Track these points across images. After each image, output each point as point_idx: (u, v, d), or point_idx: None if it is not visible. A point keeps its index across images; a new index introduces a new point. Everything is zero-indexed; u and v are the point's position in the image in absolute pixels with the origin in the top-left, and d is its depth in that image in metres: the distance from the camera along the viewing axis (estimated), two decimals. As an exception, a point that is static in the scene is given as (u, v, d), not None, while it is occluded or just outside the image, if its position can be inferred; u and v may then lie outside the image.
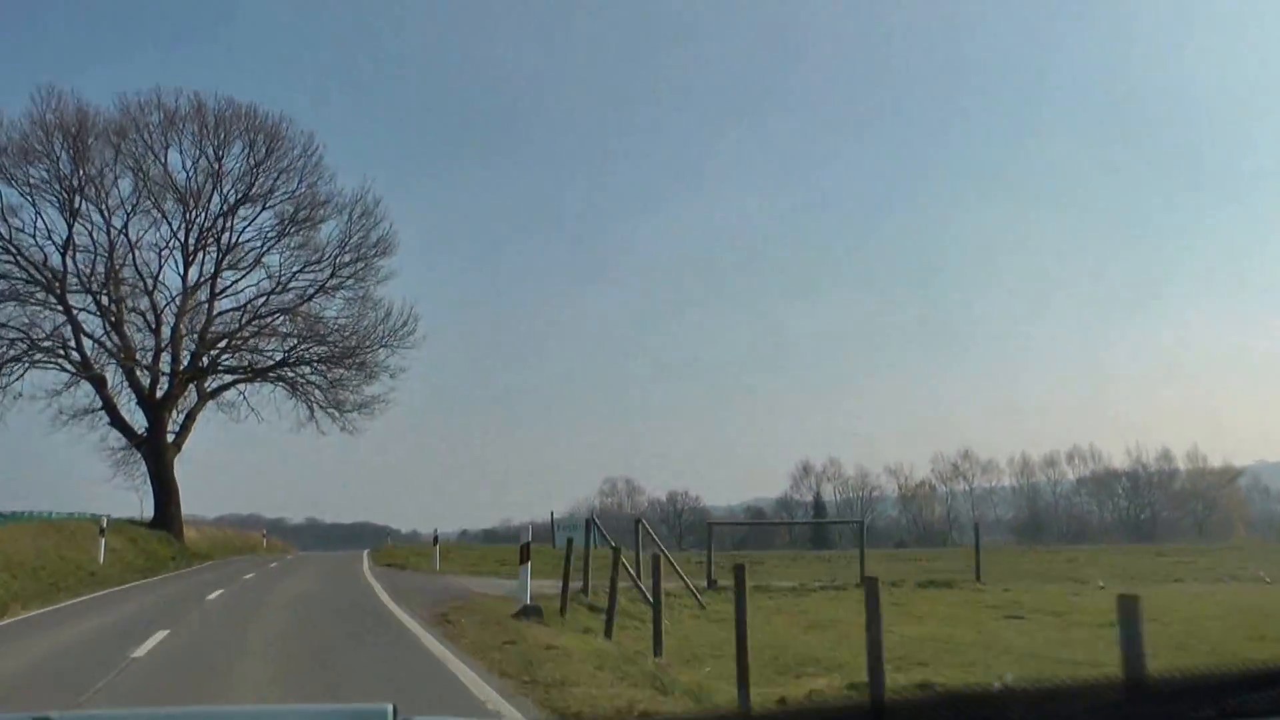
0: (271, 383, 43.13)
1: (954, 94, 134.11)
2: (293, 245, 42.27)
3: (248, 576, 25.62)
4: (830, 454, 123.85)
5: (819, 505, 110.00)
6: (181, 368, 41.37)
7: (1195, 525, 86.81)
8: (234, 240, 42.02)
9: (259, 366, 42.89)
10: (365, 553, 39.39)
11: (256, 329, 42.59)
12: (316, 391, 43.03)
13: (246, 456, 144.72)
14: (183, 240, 41.50)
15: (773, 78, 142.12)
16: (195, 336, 41.65)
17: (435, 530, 36.76)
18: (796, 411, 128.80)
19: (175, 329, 41.21)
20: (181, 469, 41.63)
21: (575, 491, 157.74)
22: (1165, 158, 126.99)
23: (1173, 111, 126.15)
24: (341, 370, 42.59)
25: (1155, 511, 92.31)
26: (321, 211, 41.93)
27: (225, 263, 42.09)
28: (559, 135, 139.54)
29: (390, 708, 1.73)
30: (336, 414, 42.68)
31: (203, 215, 41.61)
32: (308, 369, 42.92)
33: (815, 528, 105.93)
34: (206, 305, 41.91)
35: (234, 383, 43.34)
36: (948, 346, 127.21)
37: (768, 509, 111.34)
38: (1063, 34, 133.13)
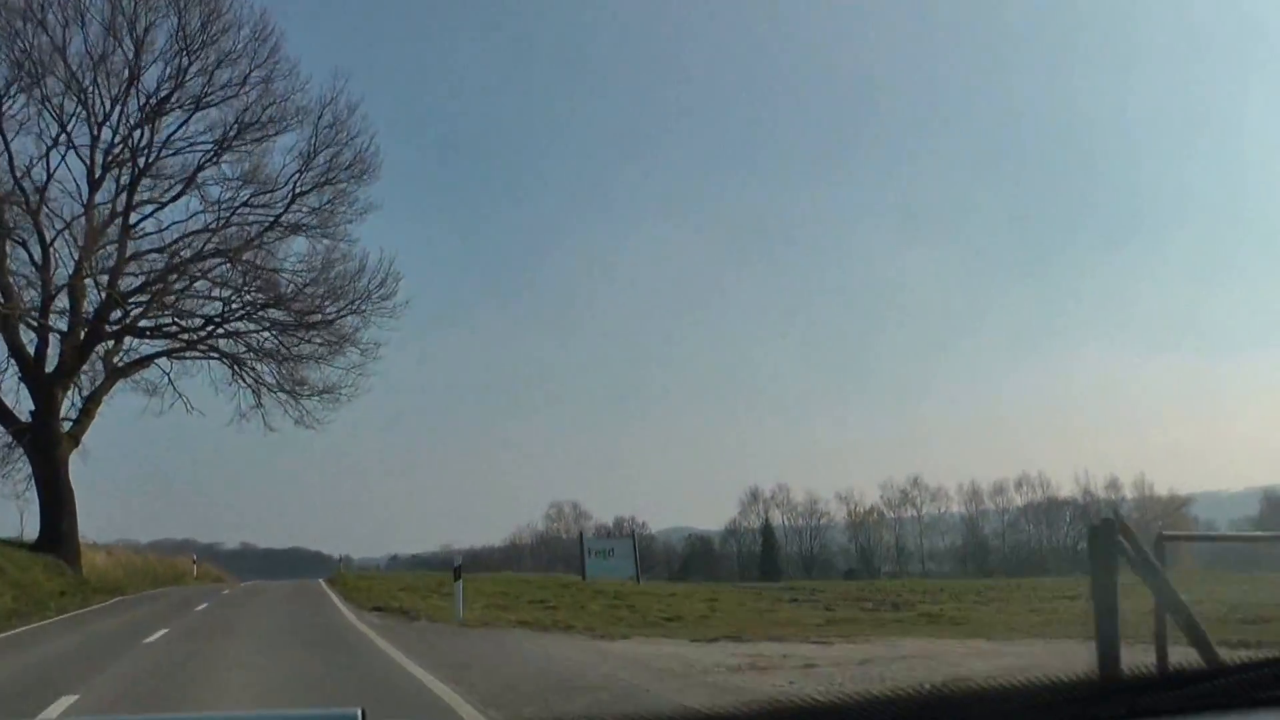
0: (205, 354, 33.78)
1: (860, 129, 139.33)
2: (239, 165, 32.55)
3: (153, 637, 15.60)
4: (779, 479, 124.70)
5: (768, 532, 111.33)
6: (83, 330, 31.34)
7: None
8: (156, 155, 31.80)
9: (189, 328, 33.45)
10: (322, 583, 32.55)
11: (187, 278, 32.72)
12: (265, 368, 33.81)
13: (174, 461, 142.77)
14: (89, 156, 31.20)
15: (663, 112, 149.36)
16: (103, 285, 31.38)
17: (456, 557, 21.25)
18: (746, 437, 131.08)
19: (77, 272, 30.53)
20: (82, 471, 32.35)
21: (518, 516, 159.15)
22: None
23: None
24: (301, 338, 33.32)
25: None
26: (277, 120, 31.78)
27: (145, 185, 31.98)
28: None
29: (359, 711, 1.73)
30: (291, 401, 33.54)
31: (115, 116, 31.09)
32: (255, 336, 33.64)
33: (765, 556, 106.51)
34: (119, 243, 31.62)
35: (156, 355, 33.42)
36: (903, 372, 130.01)
37: (715, 537, 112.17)
38: (959, 75, 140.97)
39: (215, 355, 33.84)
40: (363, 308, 32.77)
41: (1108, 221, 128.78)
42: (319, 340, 33.28)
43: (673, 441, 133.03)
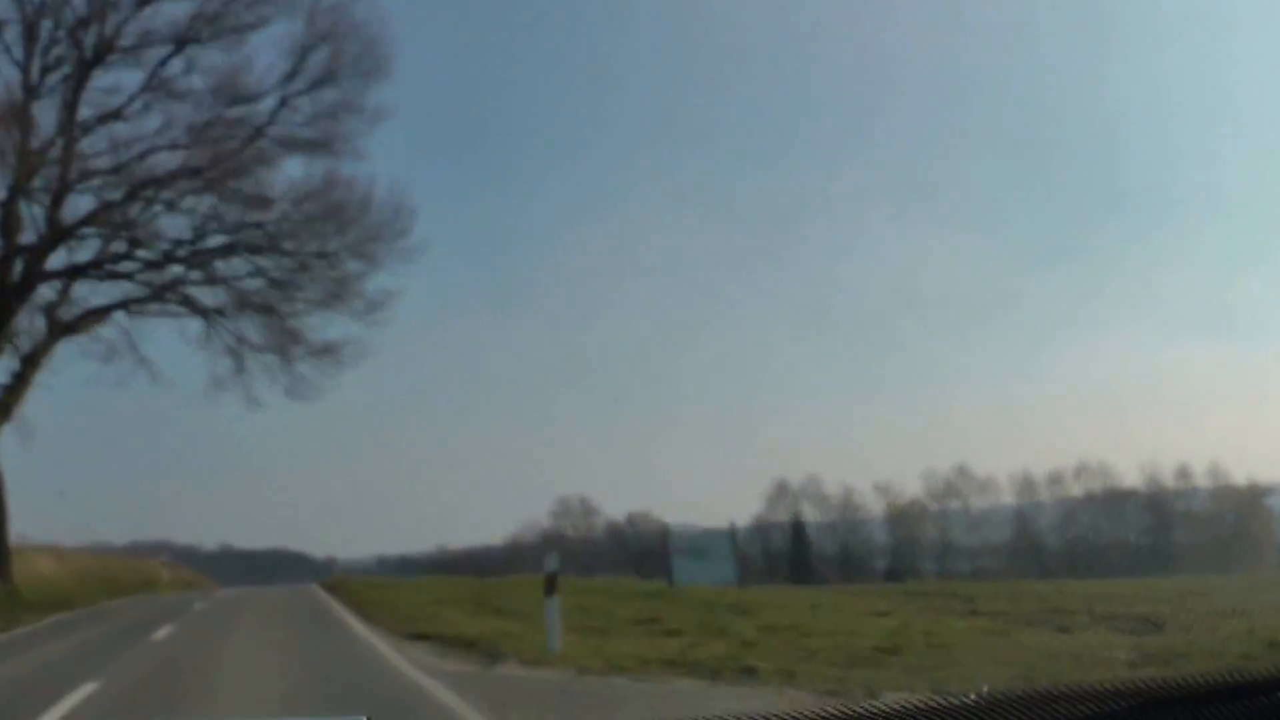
0: (174, 305, 28.94)
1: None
2: (214, 60, 27.69)
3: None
4: (809, 470, 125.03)
5: (798, 527, 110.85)
6: (17, 265, 26.71)
7: (1219, 550, 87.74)
8: (106, 53, 26.97)
9: (152, 261, 28.45)
10: (319, 590, 29.56)
11: (150, 204, 27.91)
12: (249, 323, 29.25)
13: (146, 454, 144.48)
14: (23, 55, 26.47)
15: (680, 104, 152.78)
16: (43, 208, 26.88)
17: (549, 559, 14.52)
18: (771, 428, 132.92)
19: (11, 197, 26.24)
20: (25, 460, 29.18)
21: (521, 512, 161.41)
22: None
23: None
24: (293, 282, 28.75)
25: (1171, 535, 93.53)
26: (258, 5, 27.09)
27: (96, 90, 27.23)
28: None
29: (364, 719, 1.87)
30: (281, 364, 29.21)
31: (57, 6, 26.52)
32: (236, 284, 29.08)
33: (795, 553, 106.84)
34: (61, 161, 26.75)
35: (112, 307, 28.53)
36: (942, 357, 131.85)
37: (742, 533, 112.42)
38: (985, 55, 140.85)
39: (186, 308, 29.19)
40: (371, 248, 28.61)
41: (1145, 204, 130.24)
42: (314, 289, 29.08)
43: (690, 434, 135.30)
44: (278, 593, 31.78)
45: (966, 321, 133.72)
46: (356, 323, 29.71)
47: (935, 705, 1.98)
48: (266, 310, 29.44)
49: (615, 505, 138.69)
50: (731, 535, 24.98)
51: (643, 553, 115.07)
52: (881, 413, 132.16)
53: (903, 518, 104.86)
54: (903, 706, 1.93)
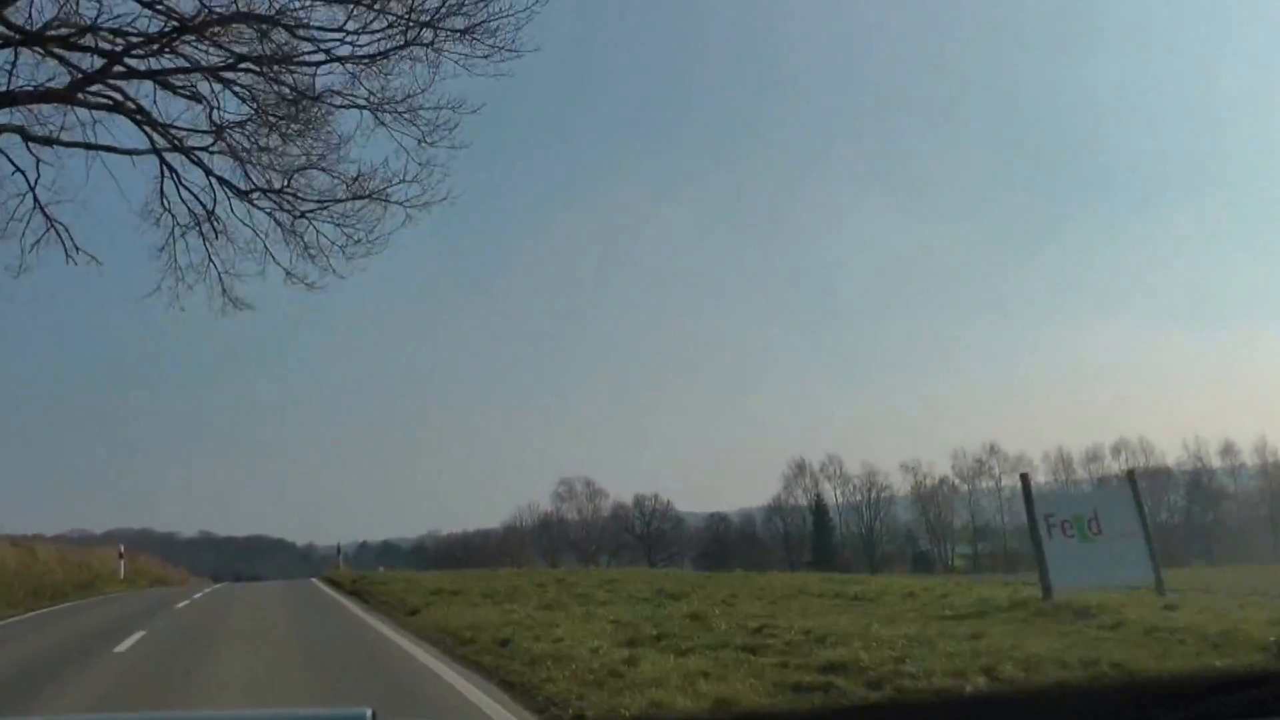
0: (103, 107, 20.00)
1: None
2: None
3: None
4: (828, 450, 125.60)
5: (819, 510, 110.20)
6: None
7: (1270, 531, 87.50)
8: None
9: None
10: (330, 592, 25.02)
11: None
12: (265, 155, 20.76)
13: (123, 437, 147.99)
14: None
15: (664, 87, 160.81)
16: None
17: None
18: (786, 407, 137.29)
19: None
20: None
21: (519, 495, 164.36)
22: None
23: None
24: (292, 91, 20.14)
25: (1217, 516, 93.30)
26: None
27: None
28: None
29: (369, 712, 1.97)
30: (280, 228, 21.09)
31: None
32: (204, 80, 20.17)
33: (818, 536, 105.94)
34: None
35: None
36: (969, 328, 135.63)
37: (758, 516, 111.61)
38: (962, 43, 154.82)
39: (122, 107, 20.06)
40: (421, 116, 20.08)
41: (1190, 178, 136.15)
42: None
43: (698, 416, 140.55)
44: (269, 590, 27.80)
45: (995, 299, 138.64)
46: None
47: (927, 701, 2.17)
48: (251, 126, 20.51)
49: (621, 487, 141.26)
50: (1135, 495, 16.12)
51: (652, 536, 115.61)
52: (903, 393, 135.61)
53: (932, 498, 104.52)
54: (894, 701, 2.12)
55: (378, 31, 18.97)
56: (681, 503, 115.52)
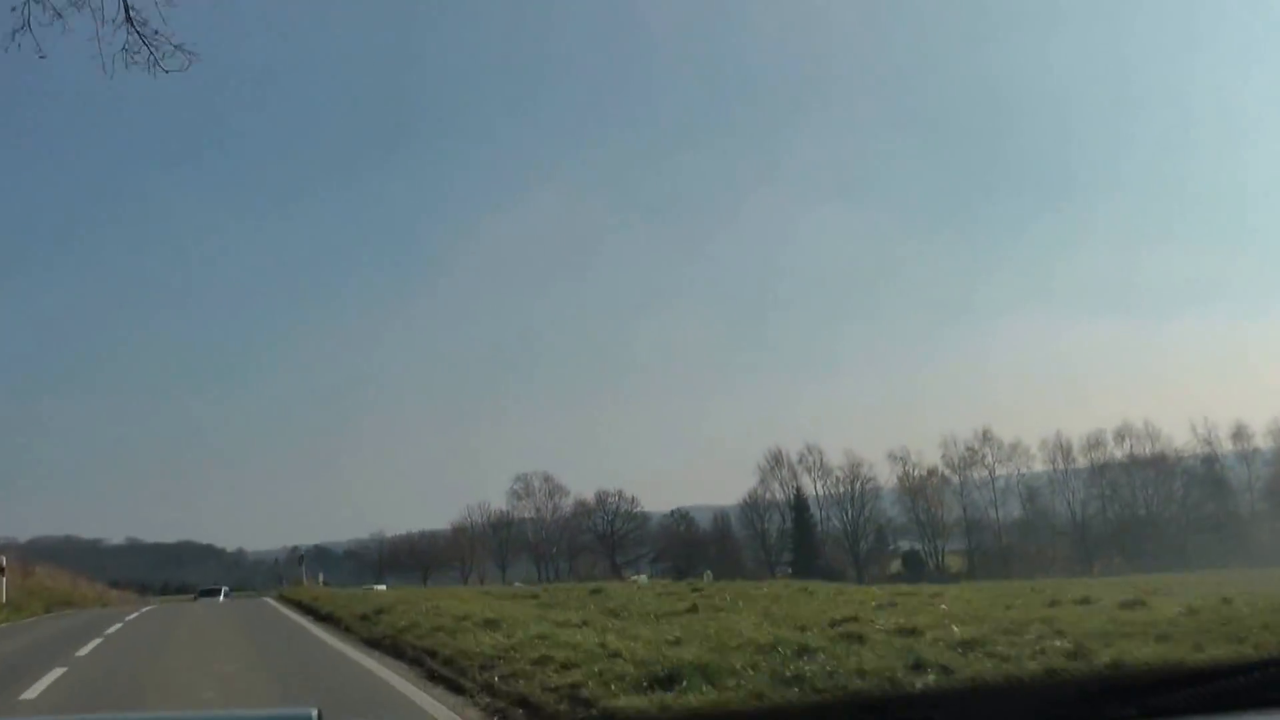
0: None
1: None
2: None
3: None
4: (807, 440, 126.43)
5: (799, 504, 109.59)
6: None
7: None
8: None
9: None
10: (309, 627, 20.35)
11: None
12: None
13: (46, 439, 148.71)
14: None
15: (607, 88, 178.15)
16: None
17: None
18: (759, 399, 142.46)
19: None
20: None
21: (470, 494, 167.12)
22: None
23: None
24: None
25: (1233, 506, 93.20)
26: None
27: None
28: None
29: (314, 711, 2.11)
30: None
31: None
32: None
33: (798, 533, 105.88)
34: None
35: None
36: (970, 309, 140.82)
37: (734, 514, 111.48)
38: (891, 36, 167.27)
39: None
40: None
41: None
42: None
43: (666, 408, 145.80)
44: (239, 643, 18.71)
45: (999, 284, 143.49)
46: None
47: (884, 694, 2.33)
48: None
49: (584, 484, 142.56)
50: None
51: (616, 537, 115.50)
52: (886, 379, 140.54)
53: (921, 490, 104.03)
54: (853, 697, 2.28)
55: None
56: (649, 500, 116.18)
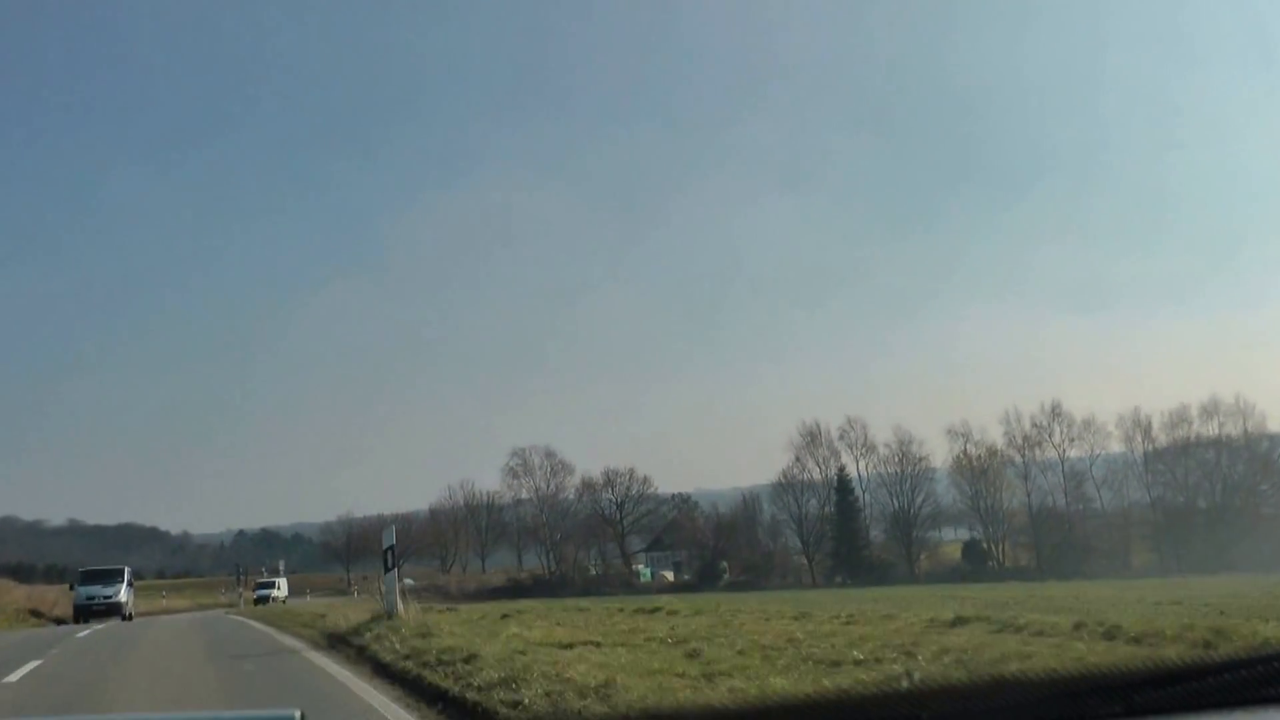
0: None
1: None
2: None
3: None
4: (848, 413, 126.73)
5: (843, 485, 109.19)
6: None
7: None
8: None
9: None
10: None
11: None
12: None
13: None
14: None
15: (541, 73, 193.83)
16: None
17: None
18: (793, 370, 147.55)
19: None
20: None
21: (462, 469, 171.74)
22: None
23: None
24: None
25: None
26: None
27: None
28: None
29: (298, 713, 2.42)
30: None
31: None
32: None
33: (841, 520, 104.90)
34: None
35: None
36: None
37: (765, 495, 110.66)
38: (852, 28, 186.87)
39: None
40: None
41: None
42: None
43: (691, 386, 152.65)
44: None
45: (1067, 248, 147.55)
46: None
47: (865, 693, 2.58)
48: None
49: (590, 461, 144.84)
50: None
51: (626, 521, 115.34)
52: (935, 348, 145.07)
53: (983, 472, 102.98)
54: (836, 694, 2.54)
55: None
56: (664, 481, 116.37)
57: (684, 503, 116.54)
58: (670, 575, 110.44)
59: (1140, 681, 2.64)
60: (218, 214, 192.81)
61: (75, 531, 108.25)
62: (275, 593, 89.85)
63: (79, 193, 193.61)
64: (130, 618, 49.18)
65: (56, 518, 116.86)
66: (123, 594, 51.77)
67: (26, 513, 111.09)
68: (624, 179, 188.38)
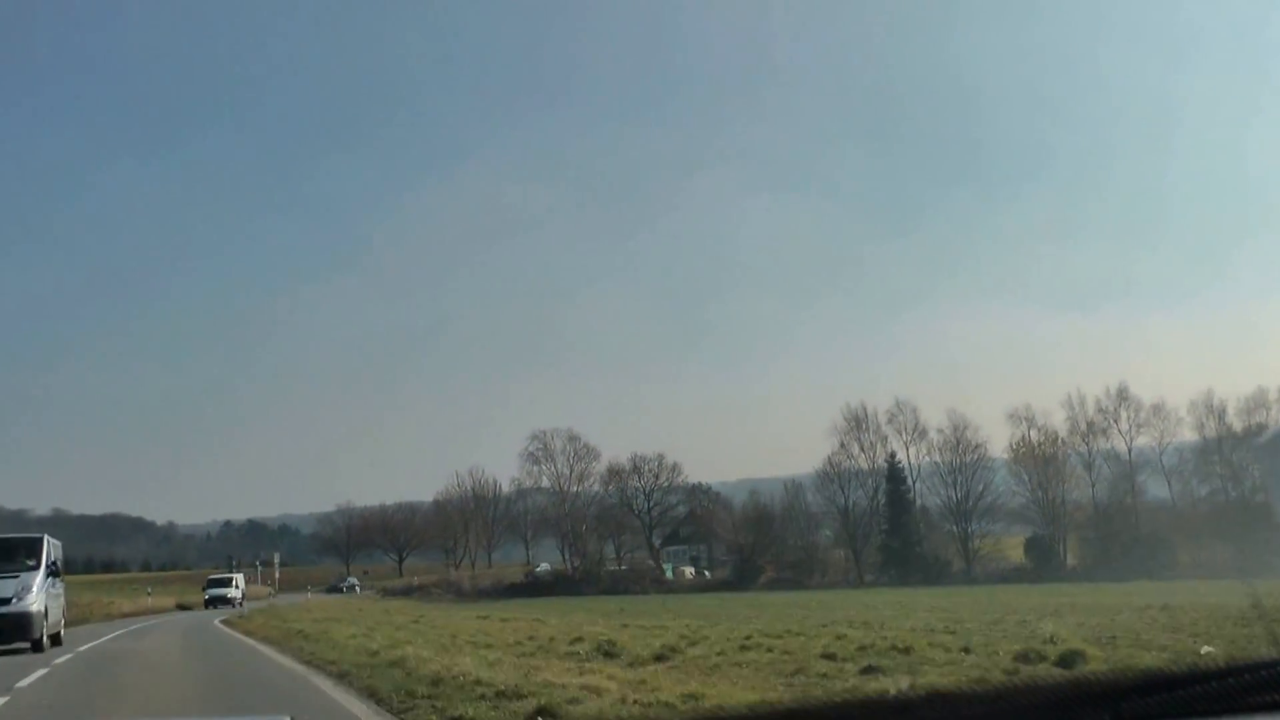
0: None
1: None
2: None
3: None
4: (897, 394, 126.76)
5: (894, 473, 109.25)
6: None
7: None
8: None
9: None
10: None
11: None
12: None
13: None
14: None
15: (544, 67, 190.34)
16: None
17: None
18: (837, 347, 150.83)
19: None
20: None
21: (468, 459, 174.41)
22: None
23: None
24: None
25: None
26: None
27: None
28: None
29: (288, 718, 2.66)
30: None
31: None
32: None
33: (893, 512, 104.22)
34: None
35: None
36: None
37: (808, 485, 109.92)
38: (849, 27, 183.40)
39: None
40: None
41: None
42: None
43: (719, 368, 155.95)
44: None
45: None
46: None
47: (853, 700, 2.78)
48: None
49: (615, 445, 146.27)
50: None
51: (655, 513, 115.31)
52: (999, 325, 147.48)
53: (1051, 461, 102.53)
54: (825, 702, 2.73)
55: None
56: (695, 470, 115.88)
57: (704, 494, 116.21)
58: (689, 571, 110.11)
59: (1128, 689, 2.77)
60: (209, 206, 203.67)
61: (60, 521, 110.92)
62: (231, 592, 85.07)
63: (69, 184, 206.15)
64: (43, 647, 30.26)
65: (40, 507, 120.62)
66: (32, 598, 30.19)
67: (9, 501, 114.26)
68: (621, 172, 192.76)
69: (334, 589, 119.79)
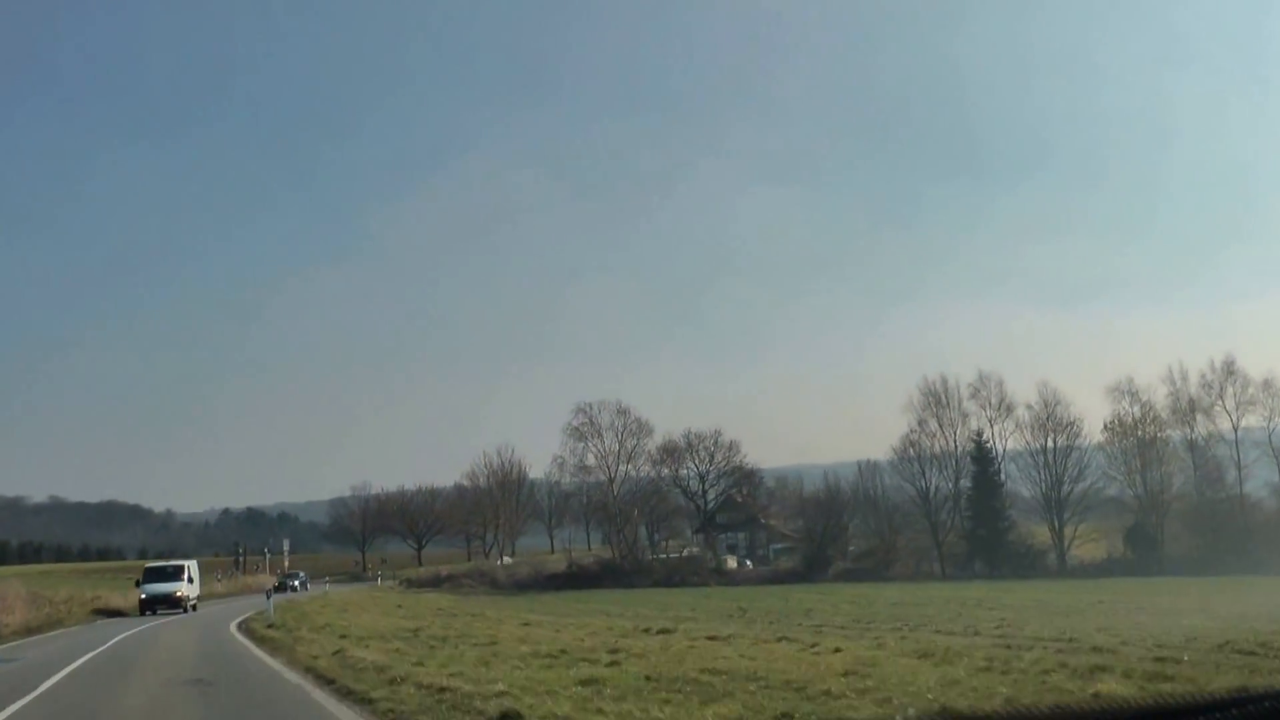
0: None
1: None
2: None
3: None
4: (980, 367, 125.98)
5: (982, 456, 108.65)
6: None
7: None
8: None
9: None
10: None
11: None
12: None
13: None
14: None
15: (542, 61, 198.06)
16: None
17: None
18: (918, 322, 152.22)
19: None
20: None
21: (483, 440, 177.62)
22: None
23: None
24: None
25: None
26: None
27: None
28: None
29: None
30: None
31: None
32: None
33: (978, 500, 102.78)
34: None
35: None
36: None
37: (884, 467, 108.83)
38: (846, 24, 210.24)
39: None
40: None
41: None
42: None
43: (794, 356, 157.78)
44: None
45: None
46: None
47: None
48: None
49: (668, 422, 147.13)
50: None
51: (710, 497, 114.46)
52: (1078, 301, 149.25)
53: (1152, 443, 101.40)
54: None
55: None
56: (754, 452, 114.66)
57: (746, 478, 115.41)
58: (732, 561, 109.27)
59: (1142, 716, 3.22)
60: (207, 196, 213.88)
61: (57, 508, 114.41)
62: (182, 589, 69.74)
63: (69, 174, 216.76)
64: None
65: (37, 494, 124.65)
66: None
67: (6, 489, 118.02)
68: (617, 168, 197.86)
69: (356, 578, 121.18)
